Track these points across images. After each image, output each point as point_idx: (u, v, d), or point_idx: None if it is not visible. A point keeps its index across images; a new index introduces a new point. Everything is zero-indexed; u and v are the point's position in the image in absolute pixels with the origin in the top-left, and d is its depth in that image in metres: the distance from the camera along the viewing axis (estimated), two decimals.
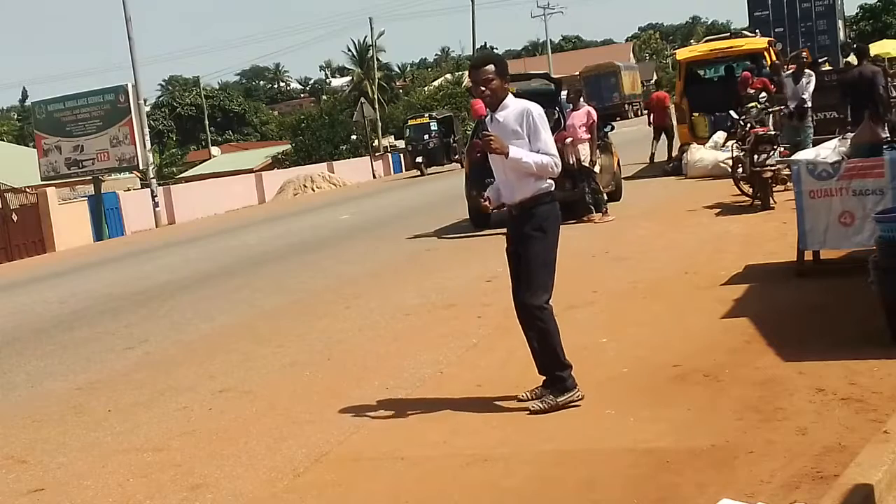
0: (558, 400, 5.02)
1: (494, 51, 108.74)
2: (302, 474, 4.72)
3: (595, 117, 13.24)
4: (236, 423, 5.77)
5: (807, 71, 14.58)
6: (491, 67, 5.08)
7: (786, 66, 18.44)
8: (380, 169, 41.53)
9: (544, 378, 5.22)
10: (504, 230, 5.30)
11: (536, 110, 5.08)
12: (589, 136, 13.01)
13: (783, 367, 5.28)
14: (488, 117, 5.17)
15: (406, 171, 39.18)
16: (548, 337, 5.07)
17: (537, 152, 5.00)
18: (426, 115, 36.74)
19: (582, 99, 13.61)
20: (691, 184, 15.81)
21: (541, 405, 5.03)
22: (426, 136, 34.62)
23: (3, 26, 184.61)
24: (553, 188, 5.14)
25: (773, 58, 17.76)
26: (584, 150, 12.96)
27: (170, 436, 5.70)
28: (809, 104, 14.09)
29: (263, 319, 9.28)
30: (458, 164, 32.58)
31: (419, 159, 34.47)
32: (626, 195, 14.98)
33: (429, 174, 33.69)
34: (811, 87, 14.11)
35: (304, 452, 5.01)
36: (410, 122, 36.52)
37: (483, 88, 5.07)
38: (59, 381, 7.76)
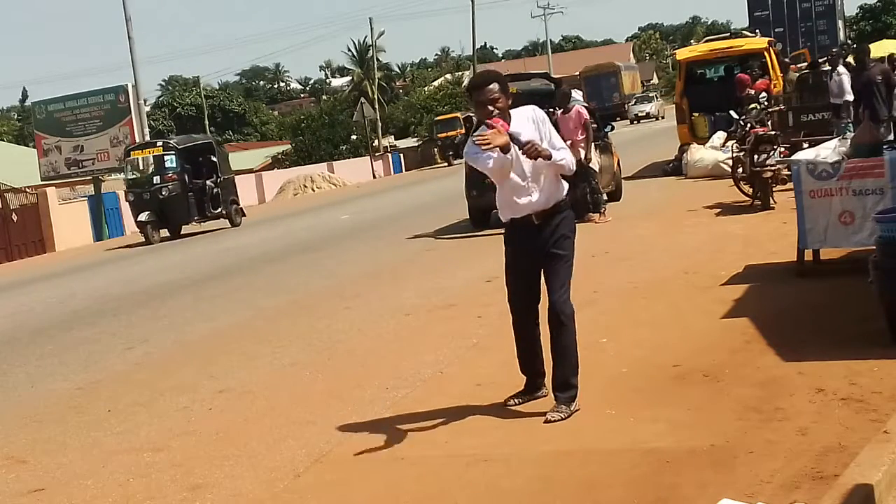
0: (571, 407, 5.02)
1: (494, 51, 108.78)
2: (302, 474, 4.72)
3: (586, 115, 13.12)
4: (236, 423, 5.77)
5: (840, 69, 14.70)
6: (495, 86, 4.96)
7: (791, 68, 18.54)
8: (380, 169, 41.61)
9: (526, 382, 5.28)
10: (503, 230, 5.28)
11: (539, 112, 5.06)
12: (584, 135, 12.96)
13: (783, 367, 5.28)
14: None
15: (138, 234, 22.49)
16: (573, 342, 5.08)
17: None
18: (159, 143, 22.59)
19: (578, 94, 13.53)
20: (691, 184, 15.81)
21: (560, 415, 4.97)
22: (158, 179, 21.06)
23: (3, 26, 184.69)
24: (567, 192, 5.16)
25: (774, 58, 17.81)
26: (583, 150, 12.95)
27: (170, 436, 5.70)
28: (842, 100, 14.34)
29: (263, 319, 9.28)
30: (228, 222, 22.39)
31: (143, 217, 20.85)
32: (626, 195, 14.99)
33: (177, 237, 21.69)
34: (846, 83, 14.34)
35: (304, 452, 5.00)
36: (133, 155, 22.25)
37: (491, 108, 4.93)
38: (59, 381, 7.76)
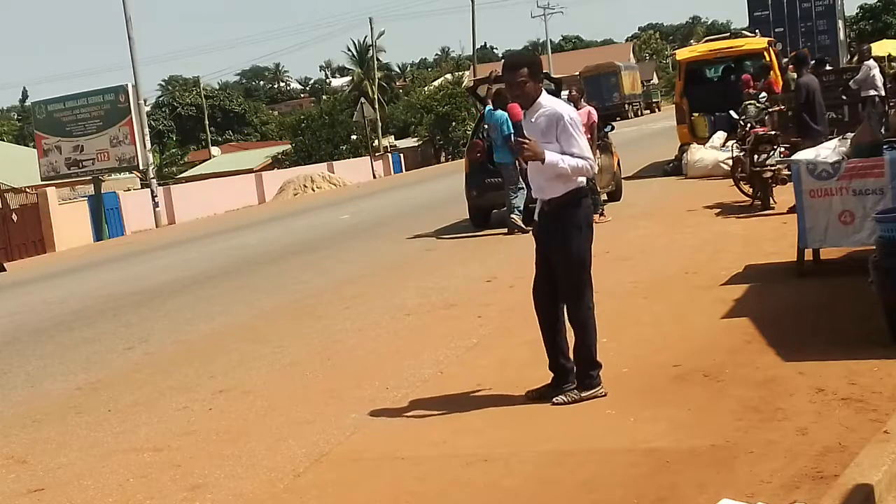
0: (582, 394, 5.11)
1: (494, 51, 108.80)
2: (302, 474, 4.72)
3: (595, 117, 13.22)
4: (236, 424, 5.77)
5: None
6: (525, 70, 5.09)
7: (790, 68, 18.51)
8: (380, 169, 41.56)
9: (553, 377, 5.25)
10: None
11: (567, 116, 5.10)
12: (589, 136, 12.99)
13: (783, 367, 5.28)
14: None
15: None
16: (586, 335, 5.16)
17: (571, 156, 5.02)
18: None
19: (564, 94, 13.60)
20: (691, 184, 15.80)
21: (565, 398, 5.12)
22: None
23: (3, 26, 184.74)
24: (585, 184, 5.18)
25: (774, 58, 17.79)
26: None
27: (170, 436, 5.70)
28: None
29: (263, 319, 9.28)
30: None
31: None
32: (626, 195, 14.98)
33: None
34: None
35: (304, 452, 5.01)
36: None
37: (517, 92, 5.09)
38: (59, 381, 7.76)
